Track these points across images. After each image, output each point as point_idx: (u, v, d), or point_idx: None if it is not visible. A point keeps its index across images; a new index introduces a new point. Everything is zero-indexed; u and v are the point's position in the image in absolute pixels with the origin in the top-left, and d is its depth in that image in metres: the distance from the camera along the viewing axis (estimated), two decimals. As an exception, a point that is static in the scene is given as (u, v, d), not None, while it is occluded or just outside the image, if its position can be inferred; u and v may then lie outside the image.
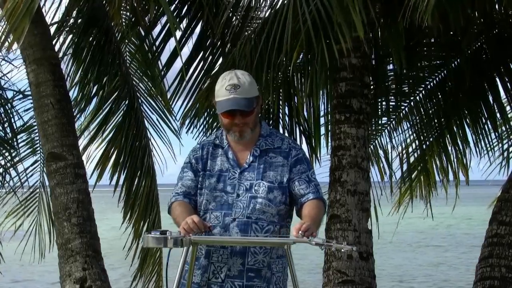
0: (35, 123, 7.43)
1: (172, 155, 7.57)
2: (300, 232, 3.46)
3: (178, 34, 6.96)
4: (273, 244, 3.74)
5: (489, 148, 7.24)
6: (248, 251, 3.76)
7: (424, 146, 7.37)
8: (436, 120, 7.25)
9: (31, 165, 7.85)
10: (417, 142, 7.44)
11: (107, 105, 7.10)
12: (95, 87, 7.05)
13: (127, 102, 7.06)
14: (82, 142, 6.94)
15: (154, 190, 7.22)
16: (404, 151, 7.53)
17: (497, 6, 6.51)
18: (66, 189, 5.96)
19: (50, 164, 6.01)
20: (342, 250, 3.44)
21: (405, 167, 7.58)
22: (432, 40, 7.02)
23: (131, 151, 7.06)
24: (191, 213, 3.72)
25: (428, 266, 21.36)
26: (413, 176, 7.73)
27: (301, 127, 6.98)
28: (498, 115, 7.13)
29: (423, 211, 7.80)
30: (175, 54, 7.00)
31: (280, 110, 6.83)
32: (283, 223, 3.85)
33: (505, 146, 7.36)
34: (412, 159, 7.60)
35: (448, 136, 7.26)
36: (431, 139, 7.35)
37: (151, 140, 7.37)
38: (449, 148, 7.33)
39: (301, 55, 6.46)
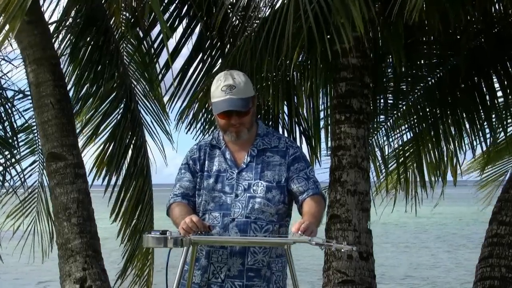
0: (34, 123, 7.44)
1: (163, 158, 7.56)
2: (299, 232, 3.46)
3: (178, 34, 6.99)
4: (273, 244, 3.74)
5: (485, 148, 7.23)
6: (247, 251, 3.77)
7: (419, 145, 7.37)
8: (433, 119, 7.25)
9: (30, 165, 7.84)
10: (413, 138, 7.44)
11: (104, 106, 7.11)
12: (93, 88, 7.05)
13: (123, 103, 7.07)
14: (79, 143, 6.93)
15: (147, 191, 7.22)
16: (400, 149, 7.54)
17: (497, 5, 6.51)
18: (66, 189, 5.97)
19: (50, 164, 6.02)
20: (342, 250, 3.45)
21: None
22: (432, 39, 7.01)
23: (125, 152, 7.08)
24: (190, 214, 3.71)
25: (427, 266, 21.37)
26: (408, 174, 7.74)
27: (301, 127, 6.98)
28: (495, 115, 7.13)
29: (406, 207, 7.81)
30: (174, 55, 6.99)
31: (280, 110, 6.83)
32: (282, 222, 3.85)
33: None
34: (408, 158, 7.61)
35: (443, 135, 7.26)
36: (427, 138, 7.34)
37: (148, 140, 7.38)
38: (444, 147, 7.32)
39: (301, 55, 6.46)
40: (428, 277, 18.91)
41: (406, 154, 7.55)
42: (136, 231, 7.25)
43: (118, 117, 7.10)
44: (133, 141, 7.09)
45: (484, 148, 7.22)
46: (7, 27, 4.76)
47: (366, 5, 5.07)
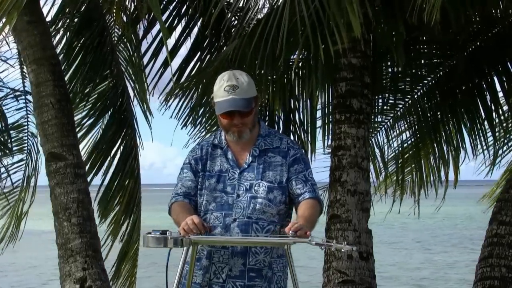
0: (25, 123, 7.47)
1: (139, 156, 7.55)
2: (291, 232, 3.48)
3: (177, 34, 6.99)
4: (273, 244, 3.74)
5: (484, 149, 7.23)
6: (249, 251, 3.77)
7: (419, 145, 7.37)
8: (432, 119, 7.25)
9: (16, 162, 7.83)
10: (413, 140, 7.44)
11: (96, 106, 7.14)
12: (86, 88, 7.08)
13: (117, 104, 7.09)
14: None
15: (137, 192, 7.24)
16: (399, 150, 7.54)
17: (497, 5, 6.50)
18: (66, 189, 5.96)
19: (50, 164, 6.01)
20: (342, 250, 3.46)
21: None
22: (431, 38, 7.01)
23: (112, 152, 7.13)
24: (191, 214, 3.72)
25: (427, 265, 21.38)
26: (406, 174, 7.74)
27: (297, 126, 6.99)
28: (495, 115, 7.12)
29: (410, 208, 7.81)
30: (172, 54, 7.01)
31: (277, 110, 6.84)
32: (284, 223, 3.84)
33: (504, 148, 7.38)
34: (408, 158, 7.61)
35: (443, 135, 7.26)
36: (426, 138, 7.34)
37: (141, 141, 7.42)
38: (445, 148, 7.32)
39: (300, 55, 6.45)
40: (428, 277, 18.92)
41: (406, 156, 7.55)
42: (123, 232, 7.35)
43: (109, 117, 7.13)
44: (123, 142, 7.12)
45: (485, 149, 7.22)
46: (3, 20, 4.75)
47: (362, 7, 5.05)
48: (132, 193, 7.22)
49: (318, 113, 7.10)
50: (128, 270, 7.57)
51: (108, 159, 7.16)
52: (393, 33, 6.04)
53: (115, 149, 7.16)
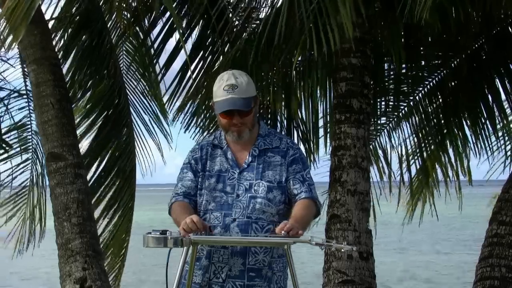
0: (28, 122, 7.47)
1: (162, 159, 7.58)
2: (283, 232, 3.48)
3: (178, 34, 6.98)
4: (273, 244, 3.74)
5: (488, 149, 7.23)
6: (248, 251, 3.77)
7: (423, 146, 7.37)
8: (435, 120, 7.25)
9: (22, 162, 7.83)
10: (416, 141, 7.43)
11: (93, 105, 7.17)
12: (84, 88, 7.09)
13: (113, 104, 7.11)
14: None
15: (127, 192, 7.29)
16: (403, 151, 7.55)
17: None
18: (66, 189, 5.96)
19: (50, 164, 6.02)
20: (342, 250, 3.46)
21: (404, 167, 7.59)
22: (432, 40, 7.01)
23: (111, 155, 7.17)
24: (191, 213, 3.72)
25: (427, 266, 21.37)
26: (412, 176, 7.74)
27: (299, 128, 6.98)
28: (497, 115, 7.12)
29: (428, 212, 7.82)
30: (173, 55, 7.01)
31: (278, 112, 6.84)
32: (282, 223, 3.85)
33: (508, 147, 7.38)
34: (411, 159, 7.61)
35: (447, 136, 7.26)
36: (430, 140, 7.34)
37: (142, 142, 7.44)
38: (449, 148, 7.32)
39: (300, 55, 6.45)
40: (428, 277, 18.92)
41: (411, 160, 7.55)
42: (111, 230, 7.40)
43: (104, 117, 7.16)
44: (116, 142, 7.14)
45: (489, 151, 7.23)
46: (11, 34, 4.76)
47: (356, 9, 5.05)
48: (119, 193, 7.24)
49: (320, 113, 7.11)
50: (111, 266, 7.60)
51: (99, 158, 7.17)
52: (395, 34, 6.05)
53: (107, 148, 7.18)
